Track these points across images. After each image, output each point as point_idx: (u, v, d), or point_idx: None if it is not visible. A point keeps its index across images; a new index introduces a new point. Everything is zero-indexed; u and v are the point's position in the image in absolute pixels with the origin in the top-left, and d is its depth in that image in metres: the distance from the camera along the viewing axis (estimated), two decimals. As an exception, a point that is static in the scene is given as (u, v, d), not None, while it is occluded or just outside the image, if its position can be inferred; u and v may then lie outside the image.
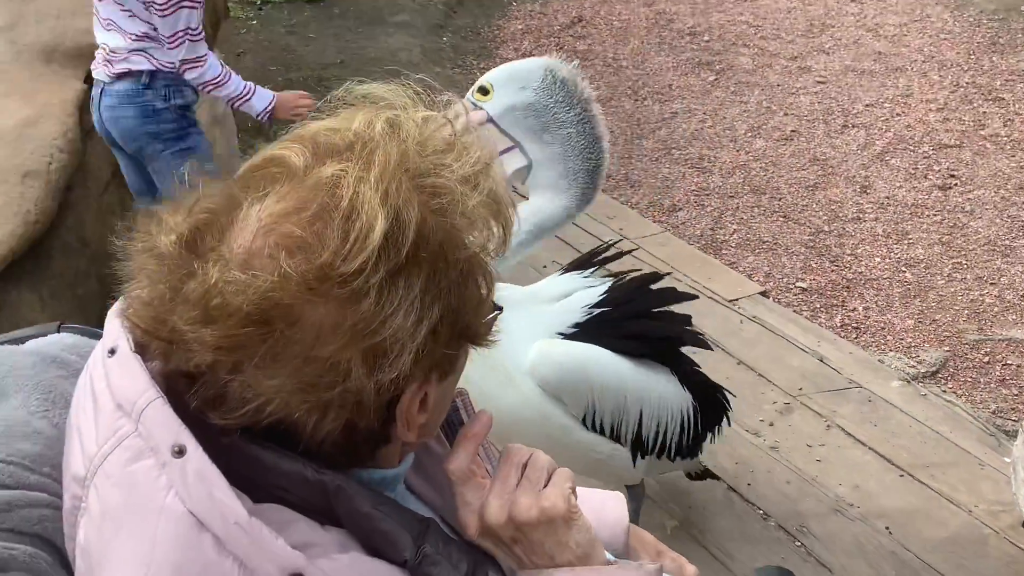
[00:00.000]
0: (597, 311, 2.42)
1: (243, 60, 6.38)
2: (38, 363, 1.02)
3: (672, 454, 2.62)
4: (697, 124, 5.88)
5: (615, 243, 2.74)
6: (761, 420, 3.52)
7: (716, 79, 6.54)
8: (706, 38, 7.24)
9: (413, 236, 0.88)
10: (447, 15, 7.61)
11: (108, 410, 0.90)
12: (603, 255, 2.65)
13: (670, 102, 6.19)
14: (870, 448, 3.38)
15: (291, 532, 0.89)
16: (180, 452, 0.87)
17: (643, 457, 2.55)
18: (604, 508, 1.43)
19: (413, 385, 0.93)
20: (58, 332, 1.12)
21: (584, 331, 2.40)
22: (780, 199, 5.05)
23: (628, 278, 2.57)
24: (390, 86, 0.99)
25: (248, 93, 3.20)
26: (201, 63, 3.08)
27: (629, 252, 2.74)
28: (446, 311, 0.92)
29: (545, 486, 1.06)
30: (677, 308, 2.61)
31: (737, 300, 4.15)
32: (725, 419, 2.81)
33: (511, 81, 2.35)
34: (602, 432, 2.45)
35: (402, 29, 7.13)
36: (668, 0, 8.07)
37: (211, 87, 3.16)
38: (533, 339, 2.35)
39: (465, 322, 0.95)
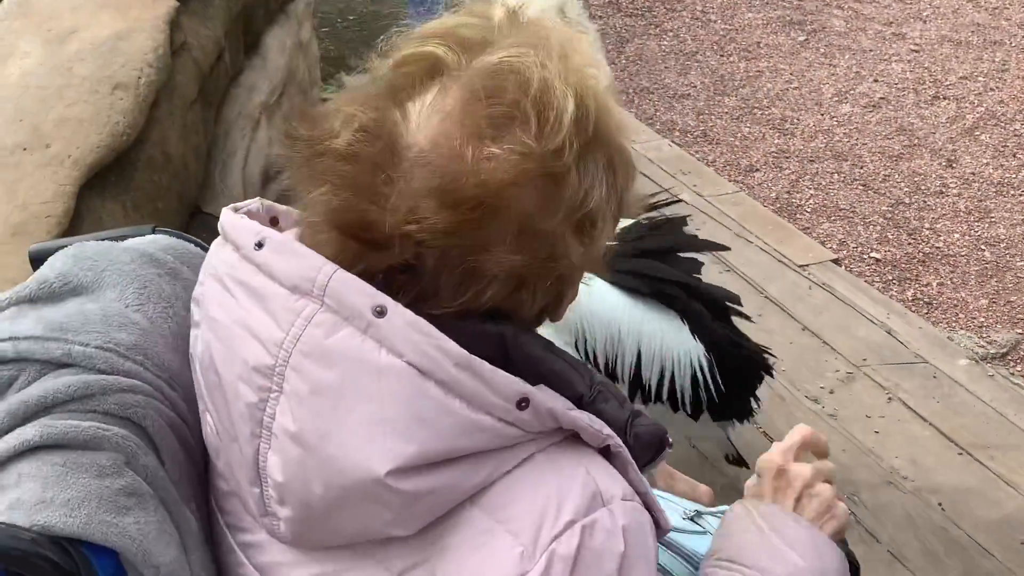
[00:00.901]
0: None
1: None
2: (136, 259, 1.07)
3: (689, 409, 2.50)
4: (783, 85, 5.77)
5: (665, 191, 2.71)
6: (822, 387, 3.50)
7: (806, 40, 6.40)
8: (799, -3, 7.07)
9: (595, 114, 0.94)
10: (537, -43, 7.53)
11: (280, 296, 0.92)
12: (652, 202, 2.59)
13: (756, 60, 6.07)
14: (930, 424, 3.34)
15: None
16: (382, 312, 0.88)
17: (645, 403, 2.44)
18: None
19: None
20: (152, 233, 1.16)
21: None
22: (862, 167, 4.95)
23: (647, 218, 2.47)
24: None
25: None
26: None
27: (677, 200, 2.69)
28: (622, 185, 1.00)
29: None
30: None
31: (807, 266, 4.09)
32: (758, 388, 2.64)
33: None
34: (596, 366, 2.36)
35: (490, -31, 7.09)
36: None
37: None
38: None
39: (626, 196, 1.03)
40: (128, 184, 3.27)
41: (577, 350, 2.34)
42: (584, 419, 0.94)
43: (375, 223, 0.90)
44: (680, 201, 2.70)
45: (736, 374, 2.55)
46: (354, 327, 0.88)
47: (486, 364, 0.88)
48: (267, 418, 0.92)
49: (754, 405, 2.68)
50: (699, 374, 2.46)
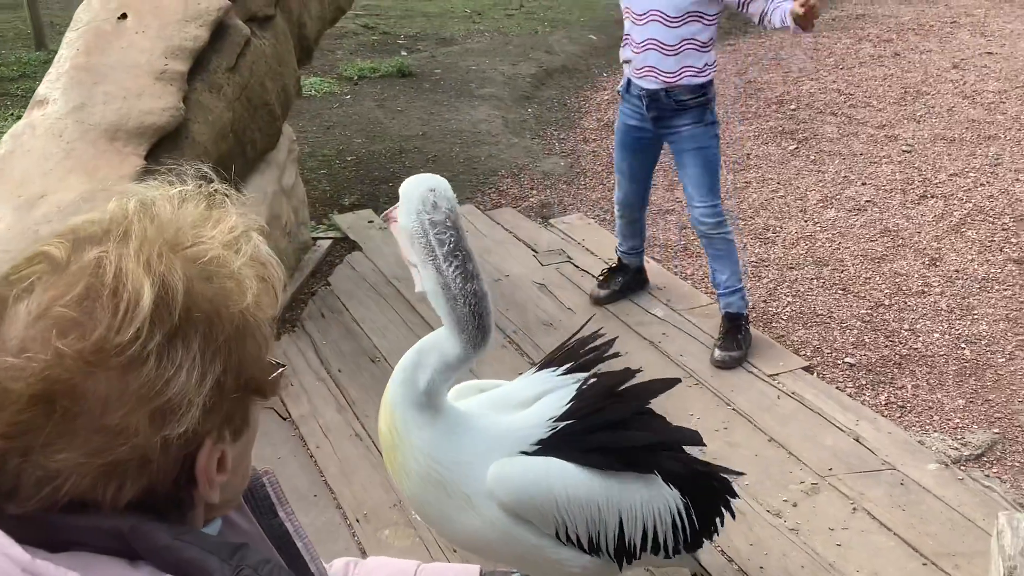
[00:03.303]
0: (561, 424, 2.30)
1: (331, 132, 6.68)
2: None
3: (672, 552, 2.50)
4: (768, 194, 5.82)
5: (594, 335, 2.63)
6: (784, 500, 3.43)
7: (797, 148, 6.47)
8: (793, 106, 7.18)
9: (183, 299, 0.94)
10: (535, 87, 7.78)
11: None
12: (583, 349, 2.55)
13: (744, 172, 6.14)
14: (895, 534, 3.25)
15: (93, 570, 0.92)
16: None
17: (629, 563, 2.43)
18: None
19: (208, 442, 0.99)
20: None
21: (547, 449, 2.28)
22: (843, 271, 4.94)
23: (595, 381, 2.42)
24: (150, 181, 1.07)
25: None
26: None
27: (610, 343, 2.60)
28: (228, 365, 0.98)
29: None
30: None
31: (777, 375, 4.06)
32: (728, 504, 2.65)
33: (406, 198, 2.15)
34: (579, 545, 2.33)
35: (488, 101, 7.33)
36: (762, 69, 8.05)
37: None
38: (492, 459, 2.24)
39: (249, 375, 1.02)
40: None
41: (559, 538, 2.32)
42: None
43: None
44: (610, 345, 2.63)
45: (707, 503, 2.57)
46: None
47: (51, 567, 0.89)
48: None
49: (719, 525, 2.68)
50: (679, 519, 2.46)
